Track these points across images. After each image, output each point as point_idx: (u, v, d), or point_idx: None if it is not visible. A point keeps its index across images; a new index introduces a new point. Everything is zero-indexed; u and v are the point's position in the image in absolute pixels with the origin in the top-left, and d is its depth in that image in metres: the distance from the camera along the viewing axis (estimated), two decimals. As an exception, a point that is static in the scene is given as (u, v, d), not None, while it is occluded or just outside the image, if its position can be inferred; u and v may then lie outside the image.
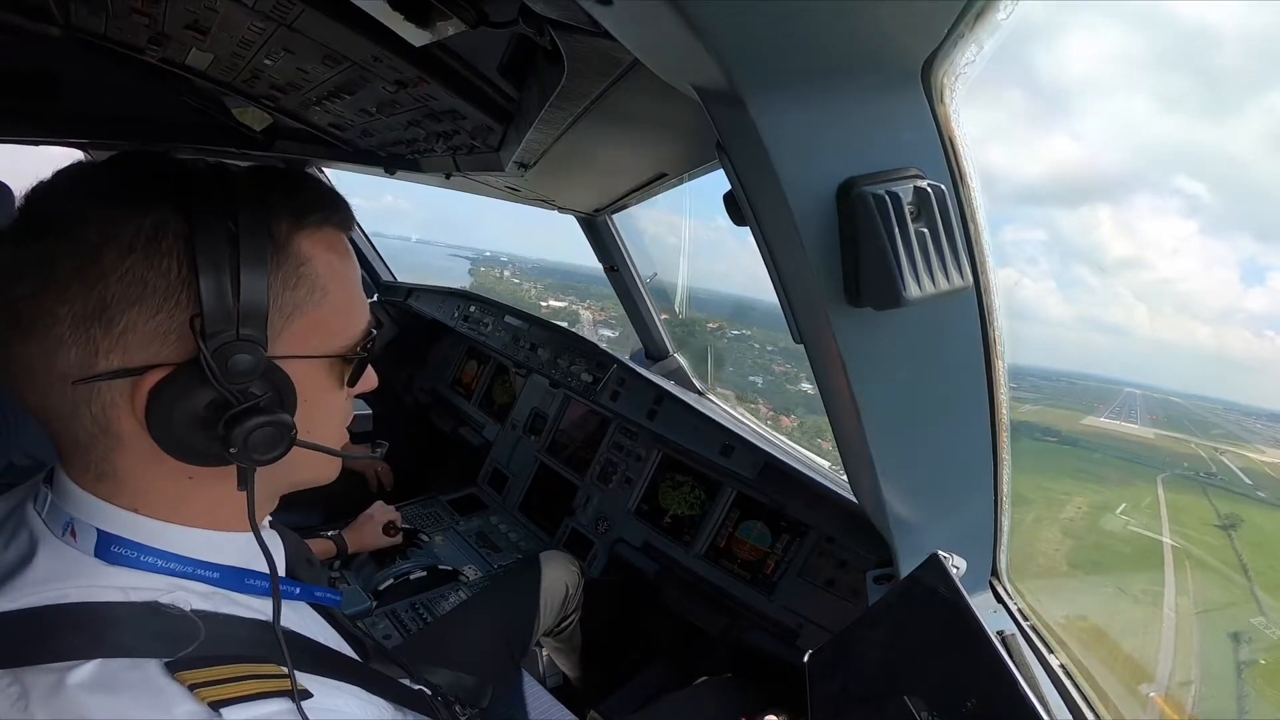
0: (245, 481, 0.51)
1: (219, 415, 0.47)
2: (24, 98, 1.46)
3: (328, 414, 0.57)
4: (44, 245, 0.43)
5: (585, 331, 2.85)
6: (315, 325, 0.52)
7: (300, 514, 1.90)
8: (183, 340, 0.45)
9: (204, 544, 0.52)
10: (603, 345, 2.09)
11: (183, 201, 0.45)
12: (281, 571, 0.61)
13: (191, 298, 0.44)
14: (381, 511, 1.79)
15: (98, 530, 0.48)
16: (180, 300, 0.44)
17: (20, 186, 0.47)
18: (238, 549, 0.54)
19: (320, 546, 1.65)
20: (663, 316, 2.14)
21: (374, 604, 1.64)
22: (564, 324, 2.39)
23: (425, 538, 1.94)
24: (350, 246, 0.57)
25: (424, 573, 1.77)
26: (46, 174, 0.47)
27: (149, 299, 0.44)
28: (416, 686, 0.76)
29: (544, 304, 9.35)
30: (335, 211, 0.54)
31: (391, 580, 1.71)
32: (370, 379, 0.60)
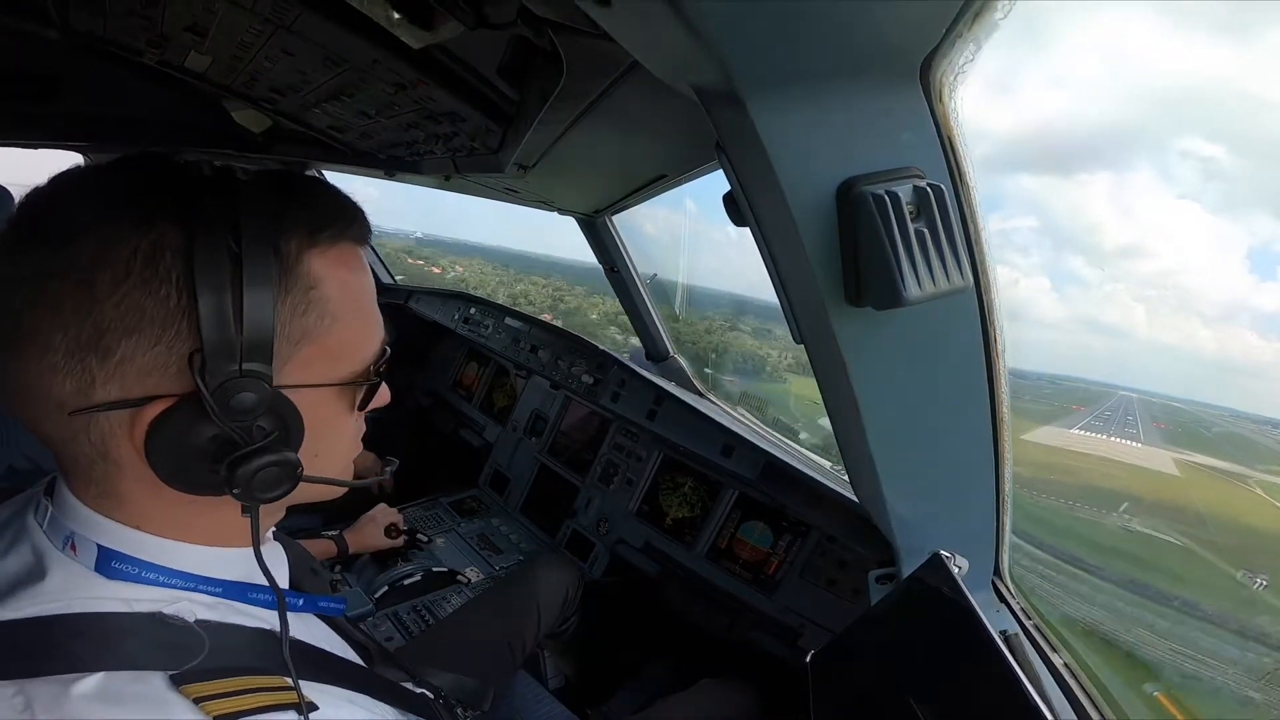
0: (249, 510, 0.50)
1: (221, 451, 0.45)
2: (22, 100, 1.46)
3: (337, 439, 0.55)
4: (37, 260, 0.41)
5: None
6: (325, 352, 0.49)
7: (301, 516, 1.90)
8: (184, 372, 0.42)
9: (206, 560, 0.51)
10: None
11: (183, 217, 0.42)
12: (286, 585, 0.60)
13: (192, 328, 0.41)
14: (383, 514, 1.79)
15: (98, 545, 0.47)
16: (180, 330, 0.42)
17: (20, 189, 0.46)
18: (240, 564, 0.52)
19: (321, 547, 1.66)
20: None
21: (375, 607, 1.64)
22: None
23: (426, 539, 1.93)
24: (364, 260, 0.53)
25: (425, 574, 1.77)
26: (44, 178, 0.45)
27: (147, 329, 0.41)
28: (419, 690, 0.76)
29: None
30: (351, 224, 0.50)
31: (393, 582, 1.71)
32: (383, 395, 0.57)
